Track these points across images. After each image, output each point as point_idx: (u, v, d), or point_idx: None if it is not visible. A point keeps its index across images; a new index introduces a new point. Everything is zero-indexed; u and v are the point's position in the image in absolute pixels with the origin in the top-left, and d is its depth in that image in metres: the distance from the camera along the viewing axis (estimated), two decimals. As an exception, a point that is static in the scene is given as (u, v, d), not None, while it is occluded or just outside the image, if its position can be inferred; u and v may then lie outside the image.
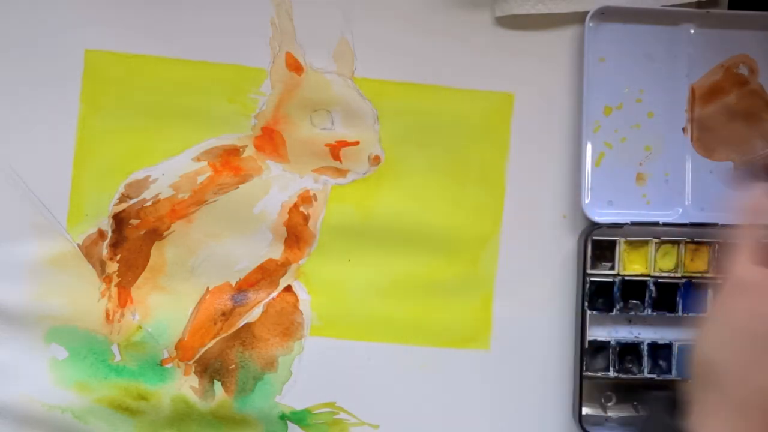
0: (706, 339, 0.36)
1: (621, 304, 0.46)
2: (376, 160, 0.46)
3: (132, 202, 0.46)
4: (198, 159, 0.46)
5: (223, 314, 0.46)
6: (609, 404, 0.47)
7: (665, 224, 0.46)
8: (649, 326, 0.47)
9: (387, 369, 0.47)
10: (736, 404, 0.34)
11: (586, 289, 0.46)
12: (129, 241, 0.46)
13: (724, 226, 0.46)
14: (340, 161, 0.46)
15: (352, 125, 0.46)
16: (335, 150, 0.46)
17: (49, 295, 0.46)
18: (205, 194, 0.46)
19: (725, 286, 0.36)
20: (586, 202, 0.46)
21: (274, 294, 0.47)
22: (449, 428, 0.47)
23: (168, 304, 0.46)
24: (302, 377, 0.47)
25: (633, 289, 0.46)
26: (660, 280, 0.46)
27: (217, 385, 0.47)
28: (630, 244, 0.46)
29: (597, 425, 0.46)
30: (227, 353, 0.47)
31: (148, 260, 0.46)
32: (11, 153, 0.46)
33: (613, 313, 0.46)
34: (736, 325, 0.35)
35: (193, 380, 0.46)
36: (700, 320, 0.37)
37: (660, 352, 0.47)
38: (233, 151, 0.46)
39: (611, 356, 0.46)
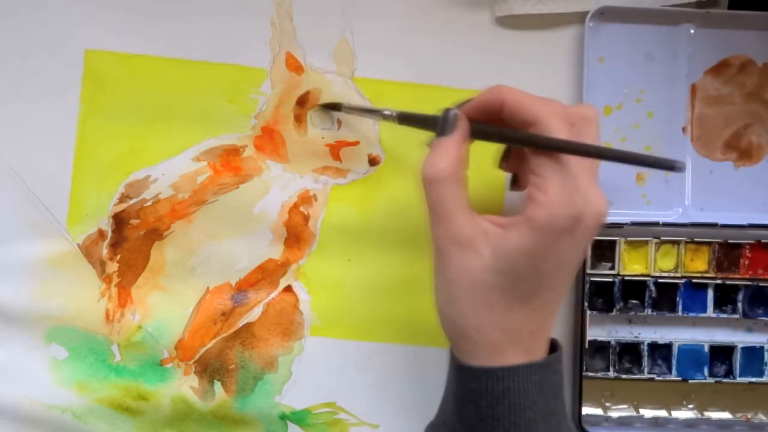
0: (438, 299, 0.37)
1: (621, 304, 0.46)
2: (375, 160, 0.46)
3: (132, 202, 0.46)
4: (198, 159, 0.46)
5: (223, 314, 0.47)
6: (609, 404, 0.47)
7: (665, 224, 0.46)
8: (649, 326, 0.47)
9: (387, 369, 0.47)
10: (482, 345, 0.36)
11: (586, 289, 0.46)
12: (129, 241, 0.46)
13: (724, 226, 0.46)
14: (340, 161, 0.46)
15: (352, 125, 0.46)
16: (335, 150, 0.46)
17: (49, 295, 0.46)
18: (205, 194, 0.46)
19: (439, 245, 0.36)
20: (586, 202, 0.46)
21: (274, 294, 0.47)
22: (449, 428, 0.47)
23: (168, 304, 0.46)
24: (302, 377, 0.47)
25: (633, 289, 0.46)
26: (660, 280, 0.46)
27: (217, 385, 0.47)
28: (630, 244, 0.46)
29: (597, 425, 0.46)
30: (227, 353, 0.47)
31: (148, 260, 0.46)
32: (11, 153, 0.46)
33: (613, 313, 0.46)
34: (461, 281, 0.35)
35: (193, 380, 0.46)
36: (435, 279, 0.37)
37: (660, 352, 0.47)
38: (233, 151, 0.46)
39: (611, 356, 0.46)
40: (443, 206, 0.35)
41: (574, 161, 0.34)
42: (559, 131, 0.34)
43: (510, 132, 0.36)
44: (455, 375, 0.37)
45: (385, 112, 0.41)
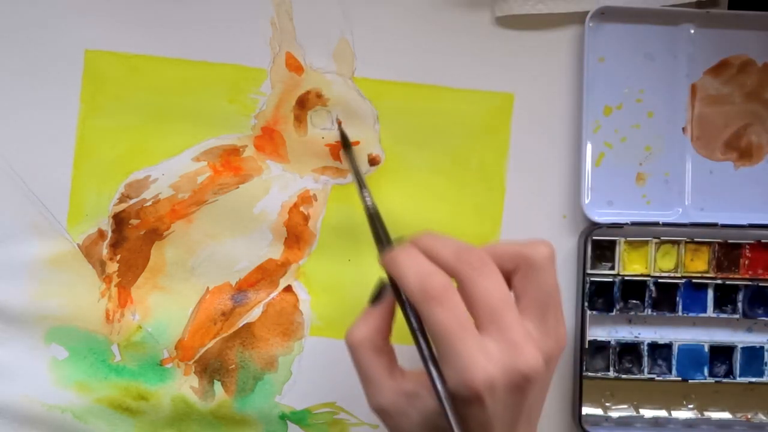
0: None
1: (621, 304, 0.46)
2: (375, 160, 0.46)
3: (132, 202, 0.46)
4: (198, 159, 0.46)
5: (223, 314, 0.46)
6: (609, 404, 0.47)
7: (665, 224, 0.46)
8: (649, 326, 0.47)
9: (387, 369, 0.47)
10: None
11: (586, 289, 0.46)
12: (129, 241, 0.46)
13: (724, 226, 0.46)
14: (340, 161, 0.46)
15: (352, 125, 0.46)
16: (335, 150, 0.46)
17: (49, 295, 0.46)
18: (205, 194, 0.46)
19: (370, 407, 0.36)
20: (586, 202, 0.46)
21: (274, 294, 0.47)
22: (449, 428, 0.47)
23: (168, 304, 0.46)
24: (302, 377, 0.47)
25: (633, 289, 0.46)
26: (660, 280, 0.46)
27: (217, 385, 0.47)
28: (630, 244, 0.46)
29: (597, 425, 0.46)
30: (227, 353, 0.47)
31: (148, 260, 0.46)
32: (11, 153, 0.46)
33: (613, 313, 0.46)
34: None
35: (193, 380, 0.46)
36: None
37: (660, 352, 0.47)
38: (233, 151, 0.46)
39: (611, 356, 0.46)
40: (363, 372, 0.36)
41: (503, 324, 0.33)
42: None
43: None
44: None
45: (366, 200, 0.41)
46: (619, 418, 0.47)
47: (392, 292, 0.36)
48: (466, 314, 0.33)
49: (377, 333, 0.36)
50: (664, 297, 0.46)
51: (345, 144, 0.45)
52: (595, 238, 0.46)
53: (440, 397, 0.33)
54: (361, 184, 0.42)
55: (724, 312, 0.47)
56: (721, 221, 0.46)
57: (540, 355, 0.33)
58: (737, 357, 0.46)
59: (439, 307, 0.33)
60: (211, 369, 0.47)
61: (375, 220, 0.40)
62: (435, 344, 0.34)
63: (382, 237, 0.39)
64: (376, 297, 0.37)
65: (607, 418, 0.47)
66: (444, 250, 0.34)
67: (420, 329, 0.35)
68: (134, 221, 0.46)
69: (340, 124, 0.45)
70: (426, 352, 0.34)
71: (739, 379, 0.46)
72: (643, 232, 0.46)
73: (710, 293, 0.46)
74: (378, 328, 0.36)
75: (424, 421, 0.34)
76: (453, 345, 0.32)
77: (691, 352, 0.46)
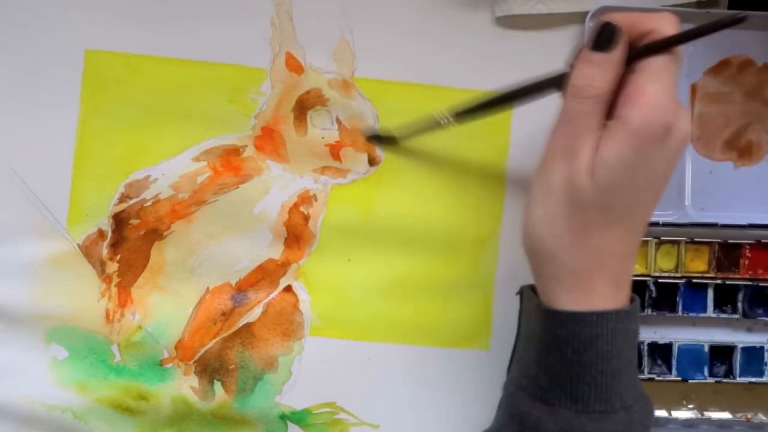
0: (531, 215, 0.36)
1: (621, 304, 0.46)
2: (375, 160, 0.46)
3: (132, 202, 0.46)
4: (198, 159, 0.46)
5: (223, 314, 0.47)
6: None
7: (665, 224, 0.46)
8: (649, 326, 0.47)
9: (387, 369, 0.47)
10: (572, 270, 0.35)
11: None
12: (129, 241, 0.46)
13: (724, 226, 0.46)
14: (340, 161, 0.46)
15: (352, 125, 0.46)
16: (335, 150, 0.46)
17: (49, 295, 0.46)
18: (205, 194, 0.46)
19: (551, 154, 0.36)
20: (586, 202, 0.46)
21: (274, 294, 0.47)
22: (449, 428, 0.47)
23: (168, 304, 0.46)
24: (302, 377, 0.47)
25: (633, 289, 0.46)
26: (660, 280, 0.46)
27: (217, 385, 0.47)
28: (630, 244, 0.46)
29: (597, 425, 0.46)
30: (227, 353, 0.47)
31: (148, 260, 0.46)
32: (11, 153, 0.46)
33: (613, 313, 0.46)
34: (554, 199, 0.35)
35: (193, 380, 0.46)
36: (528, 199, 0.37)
37: (660, 352, 0.47)
38: (233, 151, 0.46)
39: (611, 356, 0.46)
40: (582, 121, 0.35)
41: (671, 74, 0.34)
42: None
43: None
44: (540, 320, 0.36)
45: (441, 121, 0.42)
46: (619, 418, 0.47)
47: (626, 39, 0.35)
48: None
49: (613, 85, 0.35)
50: (664, 297, 0.46)
51: (389, 140, 0.46)
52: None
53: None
54: (428, 123, 0.43)
55: (724, 312, 0.47)
56: (721, 221, 0.46)
57: None
58: (737, 357, 0.46)
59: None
60: (211, 369, 0.47)
61: (471, 108, 0.41)
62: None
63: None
64: (603, 41, 0.35)
65: (607, 418, 0.47)
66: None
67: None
68: (134, 221, 0.46)
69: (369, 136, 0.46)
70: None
71: (739, 379, 0.46)
72: (643, 232, 0.46)
73: (710, 293, 0.46)
74: (615, 80, 0.35)
75: (594, 175, 0.34)
76: (672, 84, 0.34)
77: (691, 352, 0.46)
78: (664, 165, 0.35)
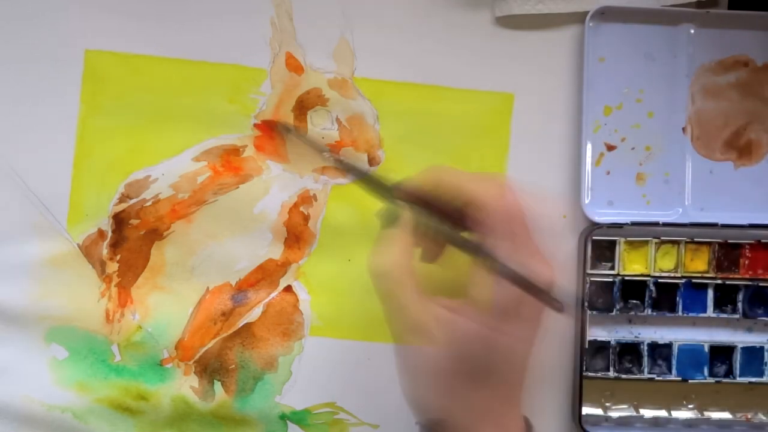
0: (403, 385, 0.37)
1: (621, 304, 0.46)
2: (375, 160, 0.46)
3: (132, 202, 0.46)
4: (198, 159, 0.46)
5: (223, 314, 0.47)
6: (609, 404, 0.47)
7: (665, 224, 0.46)
8: (649, 326, 0.47)
9: (387, 369, 0.47)
10: None
11: (586, 289, 0.46)
12: (129, 241, 0.46)
13: (724, 226, 0.46)
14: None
15: (352, 125, 0.46)
16: (335, 150, 0.46)
17: (49, 295, 0.46)
18: (205, 194, 0.46)
19: (396, 334, 0.36)
20: (586, 202, 0.46)
21: (274, 294, 0.47)
22: (449, 428, 0.47)
23: (168, 304, 0.46)
24: (302, 377, 0.47)
25: (633, 289, 0.46)
26: (660, 280, 0.46)
27: (217, 385, 0.47)
28: (630, 244, 0.46)
29: (597, 425, 0.46)
30: (227, 353, 0.47)
31: (148, 260, 0.46)
32: (11, 153, 0.46)
33: (613, 313, 0.46)
34: (421, 368, 0.36)
35: (193, 380, 0.46)
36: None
37: (660, 352, 0.47)
38: (233, 151, 0.46)
39: (611, 356, 0.46)
40: (396, 298, 0.35)
41: (517, 239, 0.34)
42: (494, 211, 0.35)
43: (447, 231, 0.37)
44: None
45: (324, 153, 0.42)
46: (619, 418, 0.47)
47: (411, 214, 0.36)
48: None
49: (404, 255, 0.36)
50: (664, 297, 0.46)
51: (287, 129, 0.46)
52: (595, 238, 0.46)
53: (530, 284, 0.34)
54: (315, 144, 0.43)
55: (724, 312, 0.47)
56: (721, 221, 0.46)
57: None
58: (737, 357, 0.46)
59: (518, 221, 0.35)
60: (211, 369, 0.47)
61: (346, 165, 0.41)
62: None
63: (383, 184, 0.39)
64: (391, 221, 0.37)
65: (607, 418, 0.47)
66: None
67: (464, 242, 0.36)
68: (134, 221, 0.46)
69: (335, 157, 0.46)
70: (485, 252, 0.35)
71: (739, 379, 0.46)
72: (643, 232, 0.46)
73: (710, 293, 0.46)
74: (404, 250, 0.36)
75: (448, 347, 0.35)
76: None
77: (691, 352, 0.46)
78: (523, 330, 0.35)
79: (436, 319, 0.35)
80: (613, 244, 0.46)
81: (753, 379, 0.46)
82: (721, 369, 0.47)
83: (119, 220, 0.46)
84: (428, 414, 0.36)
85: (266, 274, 0.47)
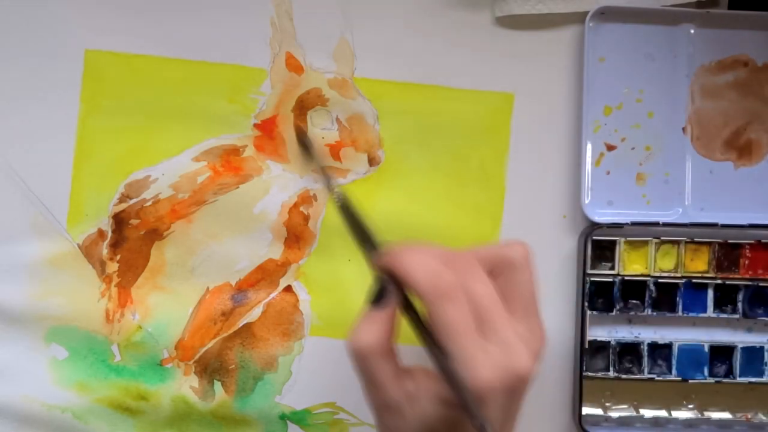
0: None
1: (621, 304, 0.46)
2: (375, 160, 0.46)
3: (132, 202, 0.46)
4: (198, 159, 0.46)
5: (223, 314, 0.47)
6: (609, 404, 0.47)
7: (665, 224, 0.46)
8: (649, 326, 0.47)
9: (387, 369, 0.47)
10: None
11: (586, 289, 0.46)
12: (129, 241, 0.46)
13: (724, 226, 0.46)
14: (340, 161, 0.46)
15: (352, 125, 0.46)
16: (335, 150, 0.46)
17: (49, 295, 0.46)
18: (205, 194, 0.46)
19: (372, 408, 0.36)
20: (586, 202, 0.46)
21: (274, 294, 0.47)
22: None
23: (168, 304, 0.46)
24: (302, 377, 0.47)
25: (633, 289, 0.46)
26: (660, 280, 0.46)
27: (217, 385, 0.47)
28: (630, 244, 0.46)
29: (597, 425, 0.46)
30: (227, 353, 0.47)
31: (148, 260, 0.46)
32: (11, 153, 0.46)
33: (613, 313, 0.46)
34: None
35: (193, 380, 0.46)
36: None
37: (660, 352, 0.47)
38: (233, 151, 0.46)
39: (611, 356, 0.46)
40: (371, 377, 0.35)
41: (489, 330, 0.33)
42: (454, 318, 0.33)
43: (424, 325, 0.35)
44: None
45: (335, 189, 0.40)
46: (619, 418, 0.47)
47: (396, 292, 0.35)
48: (472, 314, 0.33)
49: (384, 336, 0.34)
50: (664, 297, 0.46)
51: (304, 144, 0.45)
52: (595, 238, 0.46)
53: (461, 392, 0.32)
54: (326, 176, 0.42)
55: (724, 312, 0.47)
56: (721, 221, 0.46)
57: (531, 355, 0.33)
58: (737, 357, 0.46)
59: (450, 305, 0.32)
60: (211, 369, 0.47)
61: (356, 219, 0.39)
62: (442, 342, 0.33)
63: (368, 237, 0.38)
64: (378, 298, 0.35)
65: (607, 418, 0.47)
66: (431, 256, 0.34)
67: (424, 328, 0.34)
68: (134, 221, 0.46)
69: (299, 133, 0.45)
70: (436, 351, 0.33)
71: (739, 379, 0.46)
72: (643, 232, 0.46)
73: (710, 293, 0.46)
74: (385, 331, 0.35)
75: (417, 425, 0.34)
76: (462, 344, 0.32)
77: (691, 352, 0.46)
78: (493, 411, 0.33)
79: (408, 396, 0.34)
80: (613, 244, 0.46)
81: (753, 379, 0.46)
82: (721, 369, 0.47)
83: (119, 220, 0.46)
84: None
85: (266, 274, 0.47)
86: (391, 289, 0.35)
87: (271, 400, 0.47)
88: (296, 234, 0.46)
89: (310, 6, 0.46)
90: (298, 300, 0.47)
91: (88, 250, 0.46)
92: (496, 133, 0.47)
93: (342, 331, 0.47)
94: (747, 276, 0.46)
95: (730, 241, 0.46)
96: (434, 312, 0.33)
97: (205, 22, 0.46)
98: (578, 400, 0.46)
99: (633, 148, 0.47)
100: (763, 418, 0.47)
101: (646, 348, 0.46)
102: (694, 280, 0.46)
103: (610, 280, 0.46)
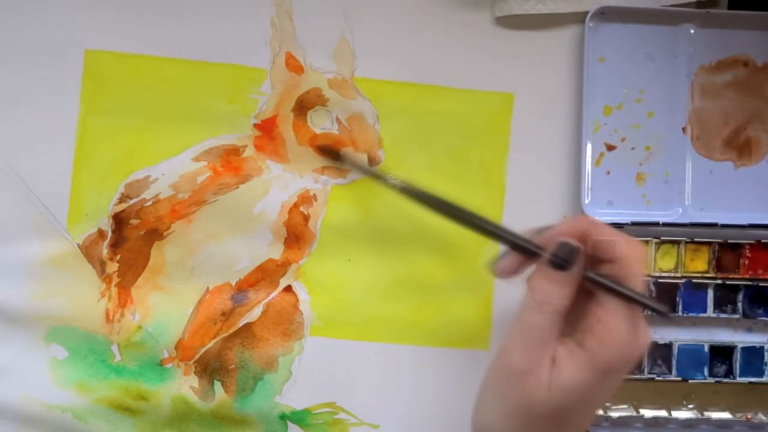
0: (483, 410, 0.37)
1: (621, 304, 0.46)
2: (375, 160, 0.46)
3: (132, 202, 0.46)
4: (198, 159, 0.46)
5: (223, 314, 0.47)
6: (609, 404, 0.47)
7: (665, 224, 0.46)
8: (650, 326, 0.47)
9: (387, 369, 0.47)
10: None
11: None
12: (129, 241, 0.46)
13: (724, 226, 0.46)
14: (341, 161, 0.46)
15: (352, 125, 0.46)
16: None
17: (49, 295, 0.46)
18: (205, 194, 0.46)
19: (496, 368, 0.36)
20: (586, 202, 0.46)
21: (274, 294, 0.47)
22: (449, 428, 0.47)
23: (168, 304, 0.46)
24: (302, 377, 0.47)
25: (633, 289, 0.46)
26: (660, 280, 0.46)
27: (217, 385, 0.47)
28: (630, 244, 0.46)
29: (597, 425, 0.46)
30: (227, 353, 0.47)
31: (148, 260, 0.46)
32: (11, 153, 0.46)
33: (613, 313, 0.46)
34: (508, 405, 0.36)
35: (193, 380, 0.46)
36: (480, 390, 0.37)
37: (660, 352, 0.47)
38: (233, 151, 0.46)
39: (611, 356, 0.46)
40: (540, 334, 0.35)
41: (636, 312, 0.35)
42: (639, 277, 0.35)
43: (599, 278, 0.36)
44: None
45: (390, 180, 0.42)
46: (619, 418, 0.47)
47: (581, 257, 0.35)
48: None
49: (570, 301, 0.35)
50: (664, 297, 0.46)
51: (333, 154, 0.46)
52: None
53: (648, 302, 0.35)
54: (377, 173, 0.44)
55: (724, 312, 0.47)
56: (721, 221, 0.46)
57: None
58: (737, 357, 0.46)
59: (643, 266, 0.35)
60: (211, 369, 0.47)
61: (432, 198, 0.41)
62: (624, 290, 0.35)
63: (461, 209, 0.40)
64: (564, 262, 0.35)
65: (607, 418, 0.47)
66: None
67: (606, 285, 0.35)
68: (134, 221, 0.46)
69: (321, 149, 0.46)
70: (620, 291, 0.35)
71: (739, 379, 0.46)
72: (643, 232, 0.46)
73: (710, 293, 0.46)
74: (572, 296, 0.35)
75: (550, 392, 0.34)
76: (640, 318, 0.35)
77: (691, 352, 0.46)
78: (615, 384, 0.36)
79: (548, 363, 0.35)
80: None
81: (753, 379, 0.46)
82: (721, 369, 0.47)
83: (119, 220, 0.46)
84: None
85: (266, 274, 0.47)
86: (581, 254, 0.35)
87: (271, 400, 0.47)
88: (296, 234, 0.46)
89: (310, 6, 0.46)
90: (298, 300, 0.47)
91: (88, 250, 0.46)
92: (496, 133, 0.47)
93: (342, 331, 0.47)
94: (747, 276, 0.46)
95: (730, 241, 0.46)
96: (637, 272, 0.35)
97: (205, 22, 0.46)
98: (578, 400, 0.46)
99: (633, 148, 0.47)
100: (763, 418, 0.47)
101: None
102: (694, 280, 0.46)
103: (610, 280, 0.46)
